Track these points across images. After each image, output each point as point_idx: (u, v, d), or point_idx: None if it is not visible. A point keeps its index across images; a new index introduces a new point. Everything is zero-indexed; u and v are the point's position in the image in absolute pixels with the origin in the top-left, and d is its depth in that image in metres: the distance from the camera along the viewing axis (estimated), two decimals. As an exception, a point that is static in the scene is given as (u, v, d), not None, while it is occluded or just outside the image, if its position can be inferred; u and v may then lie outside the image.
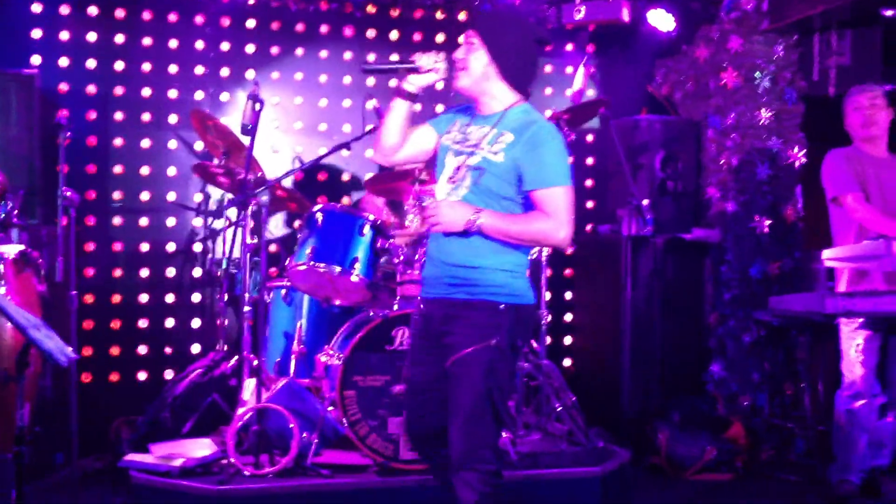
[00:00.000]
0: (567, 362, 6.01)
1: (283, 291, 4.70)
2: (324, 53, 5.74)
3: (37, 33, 5.22)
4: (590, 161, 6.28)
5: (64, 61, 5.28)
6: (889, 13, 5.21)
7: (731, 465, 4.91)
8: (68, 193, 4.03)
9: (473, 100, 3.09)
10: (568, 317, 6.12)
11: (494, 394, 2.90)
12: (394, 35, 5.87)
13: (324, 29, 5.74)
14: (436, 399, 3.02)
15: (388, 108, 3.11)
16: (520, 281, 3.01)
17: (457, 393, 2.91)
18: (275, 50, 5.66)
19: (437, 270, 3.04)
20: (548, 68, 6.18)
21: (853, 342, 4.34)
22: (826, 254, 4.38)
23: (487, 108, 3.06)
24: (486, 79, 3.01)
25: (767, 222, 5.32)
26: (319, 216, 4.33)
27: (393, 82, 3.26)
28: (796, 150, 5.36)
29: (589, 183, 6.26)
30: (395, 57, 3.07)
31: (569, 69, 6.14)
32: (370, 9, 5.64)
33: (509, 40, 3.00)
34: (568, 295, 6.13)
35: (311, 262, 4.22)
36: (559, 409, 4.62)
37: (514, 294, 2.97)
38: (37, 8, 5.22)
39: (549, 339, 4.98)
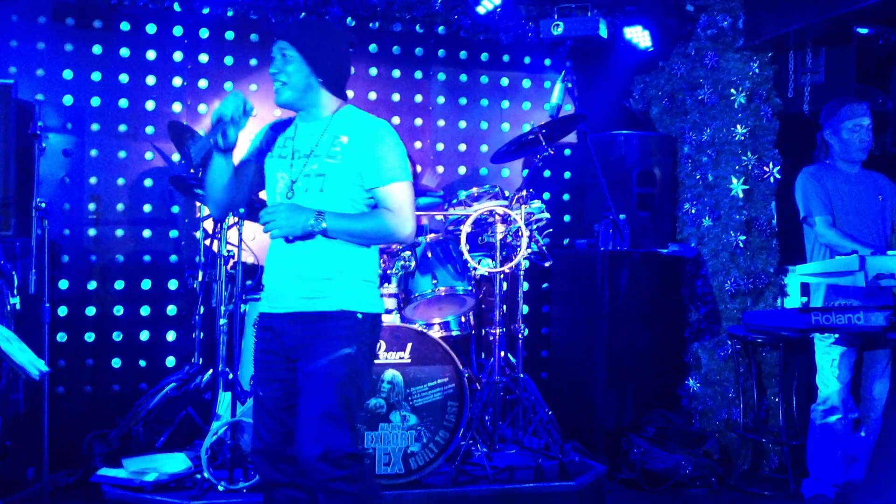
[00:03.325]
0: (543, 375, 6.02)
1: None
2: (302, 66, 5.72)
3: (14, 43, 5.19)
4: (567, 175, 6.31)
5: (41, 71, 5.25)
6: (863, 31, 5.28)
7: (706, 480, 4.93)
8: (43, 204, 4.00)
9: (296, 112, 3.02)
10: (545, 330, 6.13)
11: (352, 403, 2.85)
12: (373, 48, 5.89)
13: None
14: (289, 419, 2.91)
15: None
16: (374, 290, 3.00)
17: (312, 403, 2.81)
18: (254, 62, 5.65)
19: (289, 283, 2.93)
20: (526, 83, 6.21)
21: (829, 357, 4.38)
22: (800, 269, 4.42)
23: (313, 117, 2.99)
24: (311, 90, 2.94)
25: (742, 237, 5.36)
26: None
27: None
28: (771, 165, 5.40)
29: (566, 197, 6.29)
30: (205, 135, 2.90)
31: (546, 84, 6.18)
32: (349, 21, 5.64)
33: (323, 45, 2.94)
34: (545, 309, 6.15)
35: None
36: (535, 422, 4.62)
37: (370, 303, 2.95)
38: (14, 17, 5.18)
39: (525, 353, 4.98)
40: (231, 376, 4.33)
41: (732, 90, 5.43)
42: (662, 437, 5.07)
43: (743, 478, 5.07)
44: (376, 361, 4.17)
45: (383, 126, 2.96)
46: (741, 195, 5.38)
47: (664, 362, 5.50)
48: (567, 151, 6.30)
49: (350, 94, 5.73)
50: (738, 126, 5.41)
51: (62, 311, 5.20)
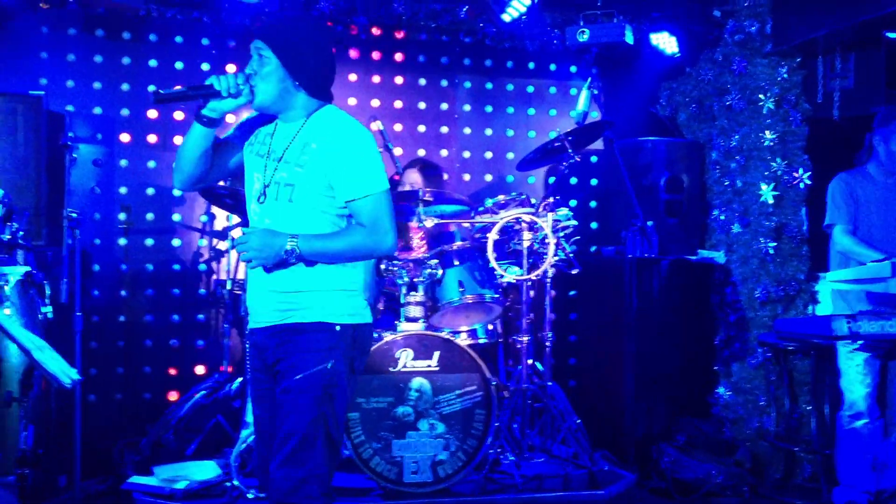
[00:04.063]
0: (572, 384, 5.99)
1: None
2: (329, 75, 5.75)
3: (44, 55, 5.25)
4: (594, 182, 6.29)
5: (71, 82, 5.31)
6: (892, 35, 5.22)
7: (737, 490, 4.88)
8: (74, 214, 4.05)
9: (274, 114, 2.85)
10: (572, 338, 6.11)
11: (329, 421, 2.68)
12: (398, 57, 5.90)
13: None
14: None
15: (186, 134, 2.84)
16: (356, 299, 2.81)
17: (286, 420, 2.65)
18: (280, 72, 5.67)
19: (265, 298, 2.79)
20: (552, 90, 6.21)
21: (852, 362, 4.35)
22: (829, 276, 4.38)
23: (290, 119, 2.82)
24: (286, 93, 2.76)
25: (772, 244, 5.32)
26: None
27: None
28: (801, 171, 5.35)
29: (593, 204, 6.26)
30: (192, 84, 2.80)
31: (572, 91, 6.17)
32: (375, 31, 5.67)
33: (302, 46, 2.75)
34: (572, 316, 6.13)
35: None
36: (564, 431, 4.60)
37: (350, 314, 2.77)
38: (44, 29, 5.25)
39: (553, 361, 4.96)
40: (260, 384, 4.35)
41: (761, 95, 5.38)
42: (693, 446, 5.02)
43: (775, 487, 5.02)
44: (403, 369, 4.19)
45: (355, 131, 2.76)
46: (771, 201, 5.34)
47: (694, 370, 5.45)
48: (593, 158, 6.28)
49: (376, 102, 5.80)
50: (767, 132, 5.36)
51: (93, 319, 5.24)
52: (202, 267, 5.53)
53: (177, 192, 5.49)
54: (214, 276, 5.39)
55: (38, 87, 5.10)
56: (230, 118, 3.13)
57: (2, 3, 4.92)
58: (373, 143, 2.79)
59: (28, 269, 4.09)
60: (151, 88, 5.34)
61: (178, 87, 2.78)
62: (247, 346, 3.00)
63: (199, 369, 5.45)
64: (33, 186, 4.71)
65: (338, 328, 2.73)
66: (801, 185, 5.36)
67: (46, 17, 5.22)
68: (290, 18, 2.96)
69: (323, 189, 2.73)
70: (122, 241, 5.41)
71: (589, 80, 5.52)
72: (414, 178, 5.26)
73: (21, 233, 3.97)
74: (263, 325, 2.81)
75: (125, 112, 5.41)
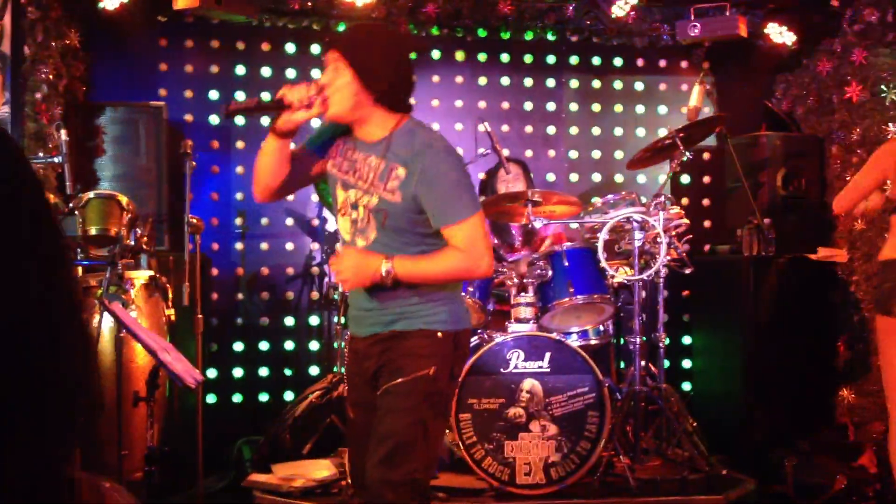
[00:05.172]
0: (686, 386, 5.86)
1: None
2: (435, 78, 5.79)
3: (163, 66, 5.45)
4: (706, 180, 6.14)
5: (188, 92, 5.50)
6: None
7: (863, 495, 4.68)
8: (194, 220, 4.18)
9: (348, 125, 2.81)
10: (686, 339, 5.98)
11: (428, 426, 2.69)
12: (505, 58, 5.89)
13: (435, 54, 5.80)
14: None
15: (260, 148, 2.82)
16: (456, 306, 2.82)
17: (384, 421, 2.68)
18: (388, 76, 5.74)
19: (370, 308, 2.80)
20: (662, 86, 6.09)
21: None
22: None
23: (368, 135, 2.76)
24: (360, 106, 2.70)
25: (898, 240, 5.08)
26: None
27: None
28: (928, 164, 5.10)
29: (706, 202, 6.12)
30: (265, 96, 2.78)
31: (684, 87, 6.04)
32: (481, 32, 5.67)
33: (377, 58, 2.70)
34: (685, 317, 6.00)
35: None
36: (679, 434, 4.50)
37: (452, 321, 2.77)
38: (163, 42, 5.45)
39: (667, 363, 4.86)
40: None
41: (883, 87, 5.16)
42: (815, 450, 4.85)
43: (903, 494, 4.80)
44: (514, 370, 4.17)
45: (441, 153, 2.71)
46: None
47: (815, 372, 5.26)
48: (706, 155, 6.14)
49: (482, 104, 5.80)
50: (890, 124, 5.13)
51: (213, 321, 5.41)
52: (315, 270, 5.64)
53: (290, 196, 5.60)
54: (327, 279, 5.48)
55: (158, 98, 5.30)
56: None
57: (122, 18, 5.12)
58: (460, 163, 2.78)
59: (152, 273, 4.25)
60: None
61: (248, 100, 2.83)
62: (345, 350, 3.03)
63: (314, 370, 5.57)
64: (155, 194, 4.90)
65: (440, 335, 2.74)
66: (929, 179, 5.11)
67: (164, 30, 5.42)
68: (365, 30, 2.95)
69: (415, 214, 2.71)
70: (239, 246, 5.57)
71: (701, 74, 5.41)
72: (520, 179, 5.24)
73: (144, 238, 4.13)
74: (366, 334, 2.83)
75: (240, 120, 5.57)
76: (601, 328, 4.77)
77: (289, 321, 5.59)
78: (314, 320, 5.61)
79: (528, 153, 5.90)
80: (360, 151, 2.78)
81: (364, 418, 2.82)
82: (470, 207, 2.69)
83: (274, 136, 2.74)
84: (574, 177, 6.03)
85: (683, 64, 6.07)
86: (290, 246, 5.63)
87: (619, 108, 6.07)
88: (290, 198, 5.60)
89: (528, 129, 5.96)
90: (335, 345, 5.16)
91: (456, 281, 2.83)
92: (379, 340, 2.78)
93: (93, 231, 3.77)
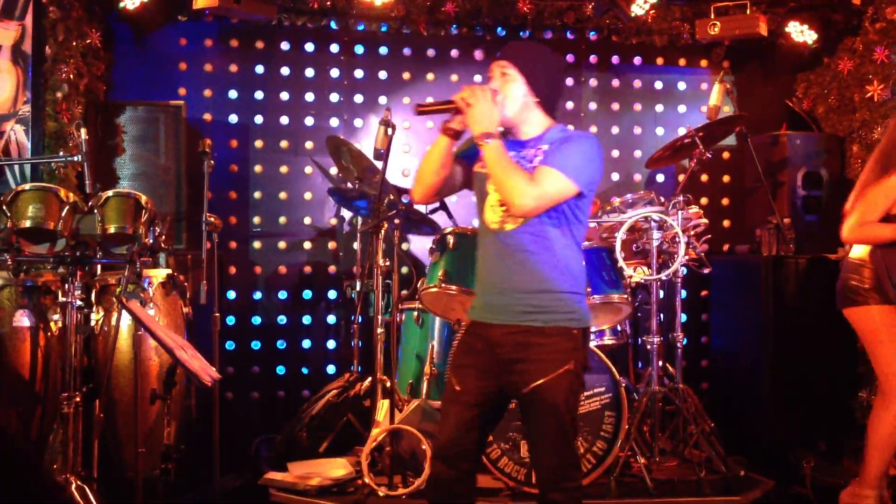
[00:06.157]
0: (704, 386, 5.83)
1: (415, 314, 4.75)
2: (454, 77, 5.79)
3: (182, 66, 5.48)
4: (726, 179, 6.10)
5: (208, 92, 5.52)
6: None
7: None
8: (212, 219, 4.20)
9: (508, 129, 3.05)
10: (704, 340, 5.94)
11: (574, 415, 2.94)
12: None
13: (454, 53, 5.80)
14: (482, 416, 2.98)
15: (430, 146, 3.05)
16: (584, 303, 3.02)
17: (541, 419, 2.91)
18: (406, 75, 5.76)
19: (504, 298, 2.95)
20: (681, 85, 6.06)
21: None
22: None
23: (524, 134, 3.05)
24: (526, 108, 3.01)
25: (920, 241, 5.03)
26: (451, 239, 4.35)
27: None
28: (951, 164, 5.04)
29: (725, 202, 6.08)
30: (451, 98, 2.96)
31: (704, 85, 6.01)
32: (500, 31, 5.66)
33: (541, 69, 3.02)
34: (704, 317, 5.96)
35: (443, 285, 4.24)
36: (697, 435, 4.48)
37: (583, 318, 2.98)
38: (183, 41, 5.48)
39: (685, 363, 4.83)
40: (389, 384, 4.41)
41: (905, 85, 5.11)
42: (835, 452, 4.81)
43: (925, 497, 4.75)
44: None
45: (586, 135, 3.02)
46: (918, 196, 5.05)
47: (834, 373, 5.21)
48: (726, 154, 6.10)
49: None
50: (913, 123, 5.08)
51: (230, 320, 5.44)
52: (332, 269, 5.65)
53: (307, 196, 5.63)
54: (344, 279, 5.49)
55: (177, 97, 5.32)
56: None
57: (142, 17, 5.16)
58: (595, 150, 2.95)
59: (169, 271, 4.28)
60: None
61: (435, 101, 3.06)
62: (456, 333, 3.13)
63: (331, 368, 5.58)
64: (174, 193, 4.92)
65: (574, 332, 2.93)
66: (952, 179, 5.05)
67: (184, 30, 5.45)
68: (530, 44, 3.40)
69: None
70: (257, 245, 5.59)
71: (721, 73, 5.38)
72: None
73: (163, 237, 4.15)
74: (500, 322, 2.95)
75: (259, 119, 5.59)
76: (618, 328, 4.75)
77: (306, 319, 5.60)
78: (331, 319, 5.62)
79: (547, 152, 5.88)
80: (513, 150, 2.99)
81: (477, 390, 2.96)
82: (574, 173, 2.86)
83: (446, 136, 3.00)
84: (592, 176, 6.00)
85: (703, 63, 6.03)
86: (307, 245, 5.64)
87: (638, 106, 6.04)
88: (308, 196, 5.62)
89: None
90: (352, 343, 5.17)
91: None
92: (516, 332, 2.92)
93: (111, 229, 3.79)
